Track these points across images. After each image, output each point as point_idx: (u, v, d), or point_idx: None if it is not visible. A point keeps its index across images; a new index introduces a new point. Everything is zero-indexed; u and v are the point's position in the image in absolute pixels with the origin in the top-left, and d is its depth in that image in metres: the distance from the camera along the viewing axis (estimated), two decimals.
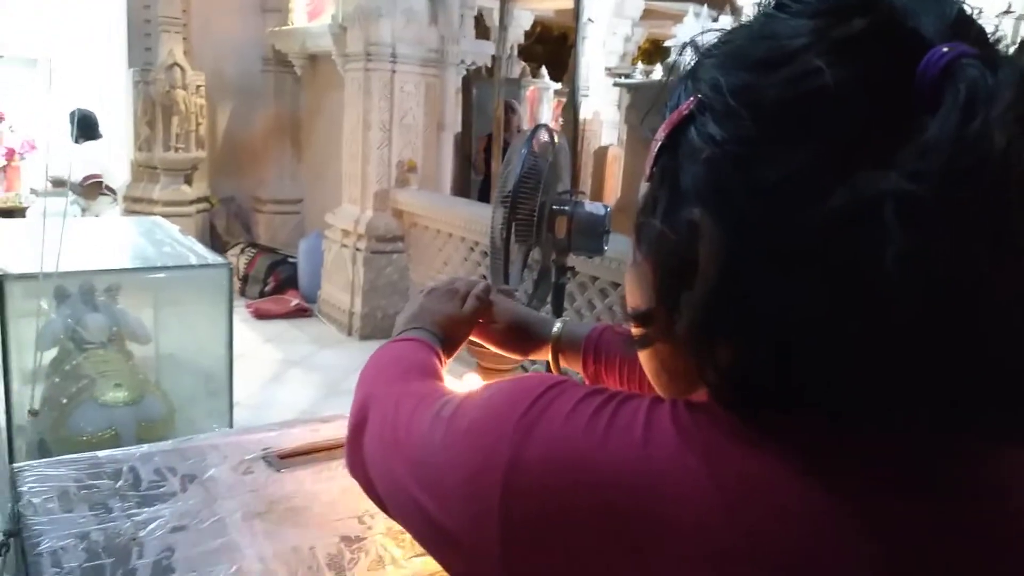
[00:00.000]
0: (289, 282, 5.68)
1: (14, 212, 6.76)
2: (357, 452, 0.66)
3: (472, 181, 6.04)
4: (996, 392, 0.39)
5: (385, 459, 0.59)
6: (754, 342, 0.41)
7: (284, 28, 6.05)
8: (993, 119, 0.35)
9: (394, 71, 4.83)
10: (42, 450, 2.40)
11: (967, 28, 0.40)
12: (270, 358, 4.51)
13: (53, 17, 9.10)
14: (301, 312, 5.39)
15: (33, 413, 2.11)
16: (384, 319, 5.03)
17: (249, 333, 4.81)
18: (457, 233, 4.58)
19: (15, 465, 1.19)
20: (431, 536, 0.52)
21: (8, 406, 2.30)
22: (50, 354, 2.61)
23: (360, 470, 0.65)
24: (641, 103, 6.49)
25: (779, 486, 0.40)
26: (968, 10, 0.41)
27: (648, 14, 9.67)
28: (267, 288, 5.64)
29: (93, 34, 7.37)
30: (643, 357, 0.52)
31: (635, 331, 0.51)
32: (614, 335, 0.93)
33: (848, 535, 0.39)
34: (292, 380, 4.24)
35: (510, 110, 4.72)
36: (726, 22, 7.42)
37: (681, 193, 0.44)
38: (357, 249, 4.99)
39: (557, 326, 0.96)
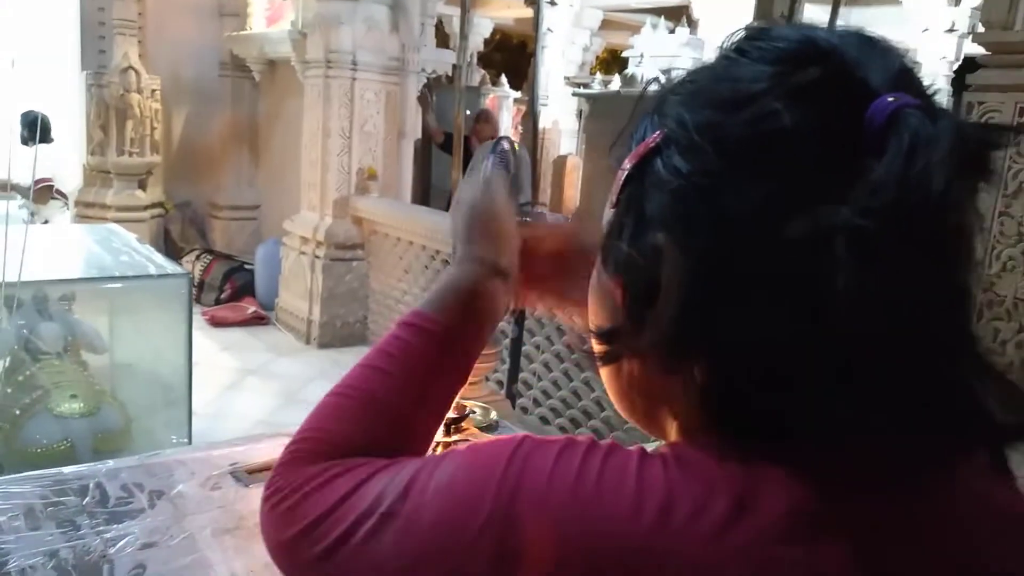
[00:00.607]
0: (246, 289, 5.62)
1: None
2: (271, 510, 0.54)
3: (434, 185, 6.06)
4: (940, 399, 0.42)
5: (295, 540, 0.51)
6: (719, 362, 0.44)
7: (242, 33, 5.99)
8: (933, 163, 0.39)
9: (354, 78, 4.83)
10: None
11: (909, 80, 0.44)
12: (227, 366, 4.46)
13: (2, 18, 8.87)
14: (258, 320, 5.34)
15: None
16: (343, 327, 5.01)
17: (205, 341, 4.75)
18: (418, 241, 4.59)
19: None
20: None
21: None
22: (1, 364, 2.56)
23: (264, 527, 0.55)
24: (599, 113, 6.59)
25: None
26: (910, 64, 0.46)
27: (607, 24, 9.81)
28: (223, 295, 5.57)
29: (45, 36, 7.20)
30: (606, 375, 0.53)
31: (598, 348, 0.52)
32: None
33: None
34: (249, 389, 4.20)
35: (484, 119, 4.70)
36: (682, 34, 7.53)
37: (646, 219, 0.47)
38: (316, 256, 4.97)
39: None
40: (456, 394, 0.64)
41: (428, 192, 5.99)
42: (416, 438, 0.60)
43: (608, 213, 0.52)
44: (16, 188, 4.99)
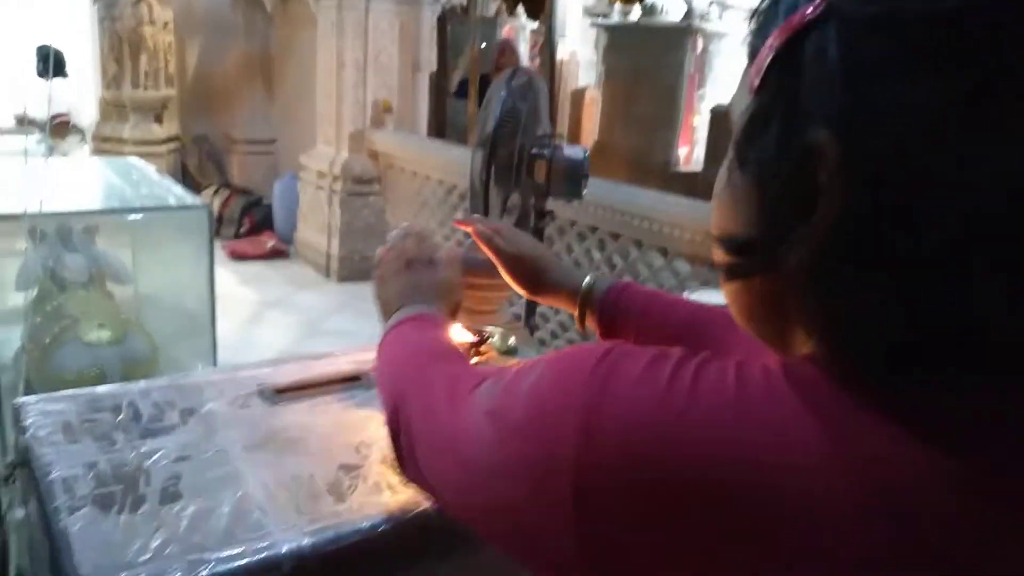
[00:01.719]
0: (264, 223, 5.66)
1: None
2: (412, 462, 0.62)
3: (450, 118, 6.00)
4: None
5: (442, 467, 0.56)
6: (880, 282, 0.38)
7: None
8: None
9: (368, 9, 4.74)
10: (26, 389, 2.43)
11: None
12: (248, 299, 4.53)
13: None
14: (277, 253, 5.38)
15: (27, 351, 2.13)
16: (361, 261, 5.04)
17: (226, 274, 4.80)
18: (434, 175, 4.57)
19: (16, 400, 1.22)
20: (501, 539, 0.49)
21: None
22: (30, 294, 2.61)
23: (420, 479, 0.62)
24: (618, 45, 6.45)
25: (915, 463, 0.37)
26: None
27: None
28: (242, 230, 5.61)
29: None
30: (730, 290, 0.47)
31: (724, 259, 0.46)
32: (632, 294, 0.89)
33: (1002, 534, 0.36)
34: (271, 321, 4.27)
35: (509, 50, 4.59)
36: None
37: (801, 112, 0.39)
38: (333, 191, 4.97)
39: (588, 280, 0.91)
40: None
41: (443, 125, 5.93)
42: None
43: (744, 101, 0.44)
44: (33, 123, 5.01)
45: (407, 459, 0.64)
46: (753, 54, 0.43)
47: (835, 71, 0.38)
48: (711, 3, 6.59)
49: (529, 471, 0.44)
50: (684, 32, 5.79)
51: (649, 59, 5.97)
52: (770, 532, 0.37)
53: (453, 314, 0.89)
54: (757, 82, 0.42)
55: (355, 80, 4.84)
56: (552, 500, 0.42)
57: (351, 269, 5.01)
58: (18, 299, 2.60)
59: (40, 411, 1.19)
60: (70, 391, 1.26)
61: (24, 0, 9.18)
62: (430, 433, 0.59)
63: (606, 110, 6.45)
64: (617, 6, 8.04)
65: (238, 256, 5.24)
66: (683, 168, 5.85)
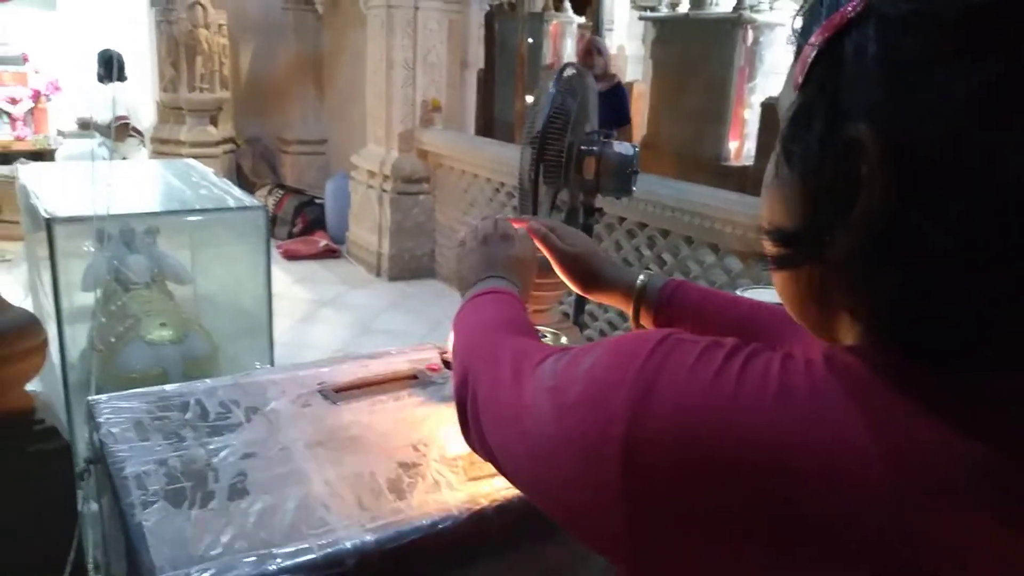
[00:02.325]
0: (317, 223, 5.75)
1: (43, 154, 6.84)
2: (477, 430, 0.64)
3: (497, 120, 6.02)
4: None
5: (503, 437, 0.58)
6: (922, 269, 0.39)
7: None
8: None
9: (417, 8, 4.78)
10: (93, 386, 2.51)
11: None
12: (302, 298, 4.61)
13: None
14: (330, 253, 5.47)
15: (99, 350, 2.21)
16: (411, 260, 5.10)
17: (280, 274, 4.90)
18: (483, 174, 4.60)
19: (89, 398, 1.27)
20: (555, 511, 0.51)
21: (62, 345, 2.40)
22: (96, 295, 2.71)
23: (483, 448, 0.64)
24: (667, 37, 6.38)
25: (950, 449, 0.38)
26: None
27: None
28: (295, 229, 5.72)
29: None
30: (779, 280, 0.49)
31: (772, 250, 0.48)
32: (687, 292, 0.91)
33: None
34: (325, 320, 4.35)
35: (597, 51, 4.51)
36: None
37: (842, 107, 0.41)
38: (383, 190, 5.03)
39: (642, 278, 0.93)
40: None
41: (492, 123, 5.95)
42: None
43: (789, 97, 0.45)
44: (95, 126, 5.17)
45: (472, 427, 0.65)
46: (798, 52, 0.45)
47: (874, 67, 0.39)
48: None
49: (582, 448, 0.45)
50: (734, 24, 5.70)
51: (698, 52, 5.89)
52: (807, 514, 0.38)
53: (527, 288, 0.90)
54: (801, 79, 0.44)
55: (404, 79, 4.89)
56: (603, 477, 0.43)
57: (401, 267, 5.07)
58: (84, 299, 2.70)
59: (112, 409, 1.24)
60: (140, 389, 1.30)
61: (85, 6, 9.48)
62: (495, 404, 0.61)
63: (654, 104, 6.39)
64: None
65: (292, 256, 5.34)
66: (734, 162, 5.77)
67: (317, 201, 5.89)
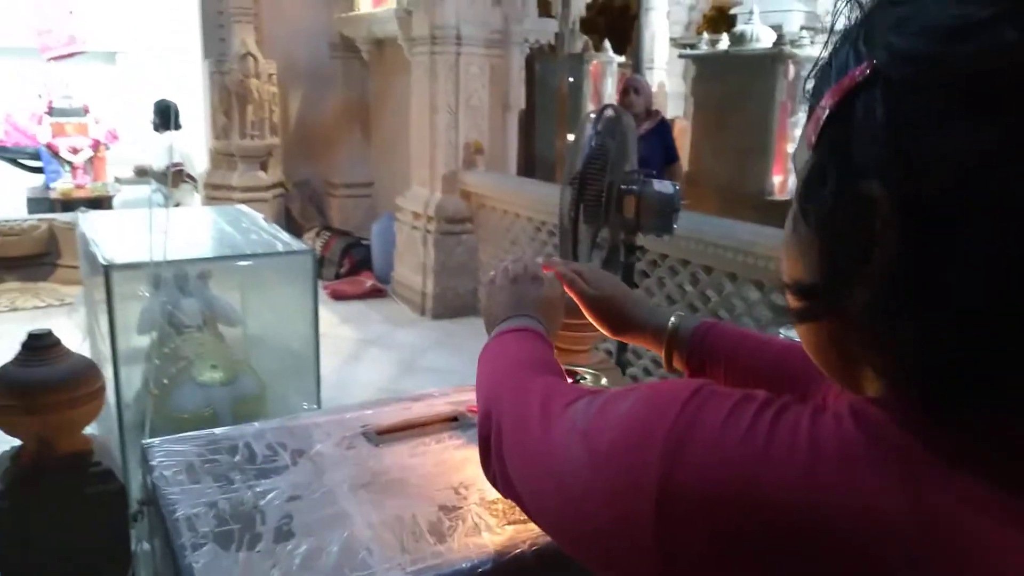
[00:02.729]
0: (363, 264, 5.86)
1: (102, 201, 7.13)
2: (500, 466, 0.64)
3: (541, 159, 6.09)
4: None
5: (529, 476, 0.58)
6: (939, 320, 0.39)
7: (350, 14, 6.18)
8: None
9: (459, 53, 4.90)
10: (148, 428, 2.59)
11: None
12: (348, 337, 4.69)
13: (130, 12, 9.47)
14: (376, 293, 5.56)
15: (152, 393, 2.28)
16: (455, 298, 5.15)
17: (327, 314, 4.99)
18: (524, 213, 4.64)
19: (144, 441, 1.32)
20: (583, 553, 0.51)
21: (118, 387, 2.48)
22: (150, 337, 2.80)
23: (505, 484, 0.64)
24: (707, 74, 6.41)
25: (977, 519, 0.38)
26: None
27: None
28: (342, 270, 5.83)
29: (169, 27, 7.65)
30: (803, 332, 0.50)
31: (794, 303, 0.49)
32: (720, 334, 0.91)
33: None
34: (370, 358, 4.40)
35: (633, 90, 4.53)
36: None
37: (854, 166, 0.42)
38: (427, 231, 5.11)
39: (673, 320, 0.92)
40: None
41: (533, 162, 6.02)
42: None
43: (804, 155, 0.47)
44: (151, 173, 5.38)
45: (494, 462, 0.65)
46: (810, 112, 0.47)
47: (882, 127, 0.41)
48: (802, 28, 6.48)
49: (615, 496, 0.46)
50: (774, 59, 5.71)
51: (739, 87, 5.90)
52: (837, 574, 0.39)
53: (555, 329, 0.92)
54: (814, 139, 0.45)
55: (447, 123, 4.99)
56: (637, 525, 0.44)
57: (445, 306, 5.12)
58: (139, 342, 2.79)
59: (165, 452, 1.28)
60: (191, 433, 1.35)
61: (142, 60, 9.90)
62: (521, 442, 0.61)
63: (696, 140, 6.40)
64: (704, 35, 8.00)
65: (339, 296, 5.45)
66: (778, 197, 5.73)
67: (363, 242, 6.00)
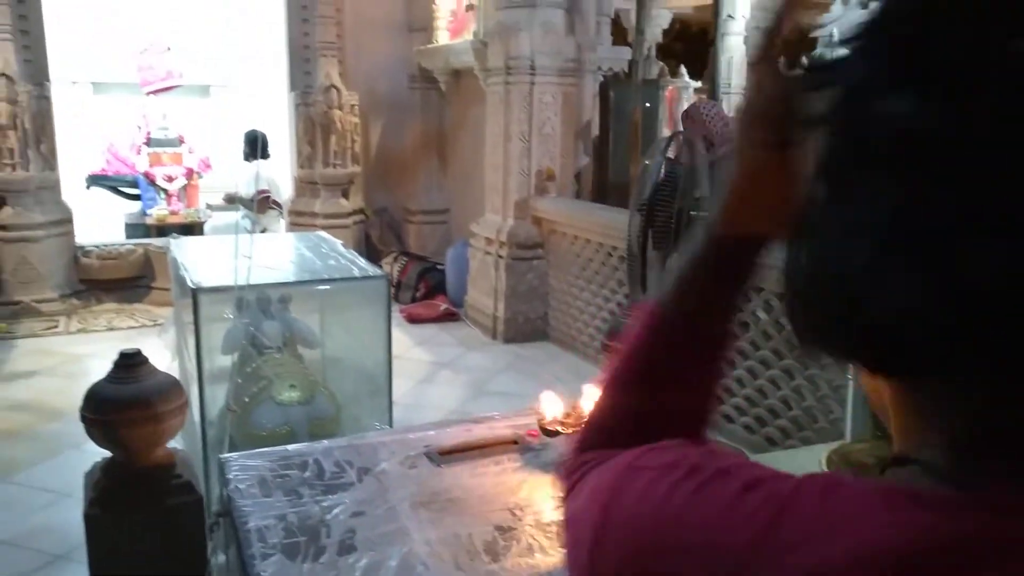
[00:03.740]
0: (438, 288, 5.98)
1: (193, 227, 7.50)
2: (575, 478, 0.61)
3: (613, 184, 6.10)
4: None
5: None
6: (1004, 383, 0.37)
7: (429, 47, 6.37)
8: None
9: (533, 83, 4.98)
10: (229, 444, 2.71)
11: None
12: (421, 360, 4.78)
13: (223, 48, 9.98)
14: (449, 316, 5.66)
15: (232, 410, 2.39)
16: (526, 323, 5.19)
17: (402, 336, 5.11)
18: (595, 239, 4.66)
19: (221, 456, 1.40)
20: None
21: (202, 404, 2.61)
22: (233, 357, 2.94)
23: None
24: None
25: None
26: None
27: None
28: (418, 294, 5.96)
29: (259, 62, 8.03)
30: (865, 379, 0.48)
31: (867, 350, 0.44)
32: None
33: None
34: (442, 381, 4.48)
35: (691, 118, 4.34)
36: (877, 9, 7.07)
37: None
38: (499, 256, 5.18)
39: None
40: (708, 366, 0.59)
41: (606, 188, 6.03)
42: (661, 421, 0.56)
43: None
44: (240, 200, 5.63)
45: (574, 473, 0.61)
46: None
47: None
48: None
49: (570, 556, 0.50)
50: None
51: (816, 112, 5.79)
52: None
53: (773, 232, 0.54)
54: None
55: (520, 151, 5.08)
56: (579, 569, 0.48)
57: (516, 330, 5.17)
58: (222, 361, 2.93)
59: (240, 466, 1.35)
60: (265, 449, 1.42)
61: (234, 93, 10.38)
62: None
63: None
64: (782, 60, 7.88)
65: (414, 319, 5.57)
66: None
67: (438, 267, 6.12)
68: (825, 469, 1.44)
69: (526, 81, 4.97)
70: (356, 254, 3.11)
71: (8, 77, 5.23)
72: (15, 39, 5.30)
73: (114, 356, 1.64)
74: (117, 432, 1.42)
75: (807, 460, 1.52)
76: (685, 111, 4.83)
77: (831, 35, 6.75)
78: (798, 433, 3.19)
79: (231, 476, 1.32)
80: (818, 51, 6.66)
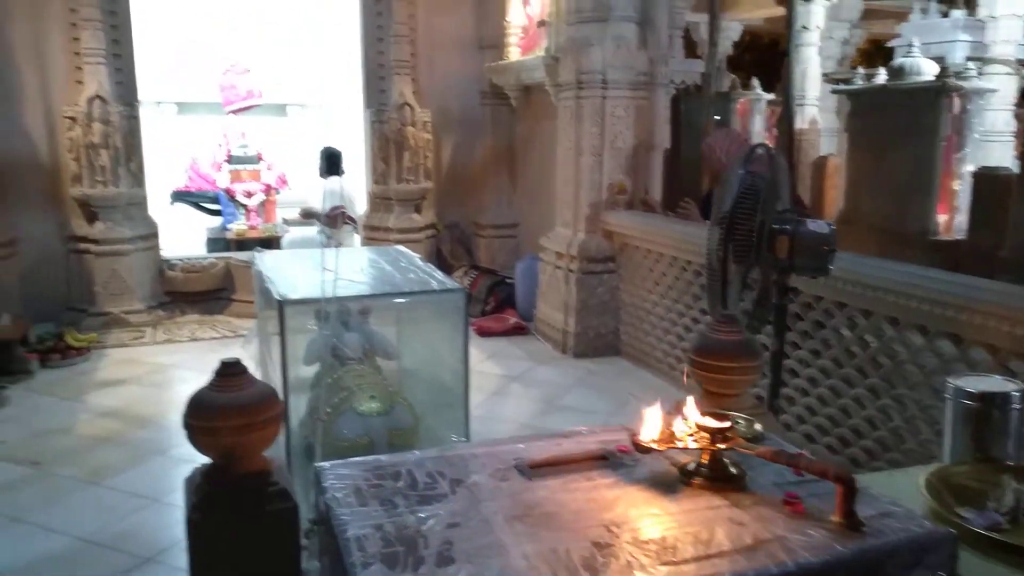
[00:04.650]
0: (507, 301, 6.01)
1: (271, 241, 7.74)
2: None
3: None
4: None
5: None
6: None
7: (500, 63, 6.44)
8: None
9: (604, 97, 4.98)
10: (308, 453, 2.77)
11: None
12: (493, 373, 4.80)
13: (301, 69, 10.29)
14: (519, 330, 5.67)
15: (322, 419, 2.45)
16: (596, 338, 5.17)
17: (473, 349, 5.07)
18: (668, 253, 4.62)
19: (317, 465, 1.43)
20: None
21: (287, 412, 2.68)
22: (315, 368, 3.01)
23: None
24: (863, 109, 6.14)
25: None
26: None
27: (868, 14, 9.14)
28: (488, 307, 6.00)
29: (335, 81, 8.24)
30: None
31: None
32: None
33: None
34: (513, 395, 4.49)
35: (708, 149, 4.31)
36: (958, 17, 6.79)
37: None
38: (570, 270, 5.18)
39: None
40: None
41: (677, 201, 5.97)
42: None
43: None
44: (316, 215, 5.78)
45: None
46: None
47: None
48: (967, 59, 6.10)
49: None
50: (938, 92, 5.39)
51: (899, 123, 5.61)
52: None
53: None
54: None
55: (592, 164, 5.07)
56: None
57: (586, 345, 5.15)
58: (303, 372, 3.00)
59: (336, 475, 1.38)
60: (358, 459, 1.45)
61: (310, 111, 10.68)
62: None
63: (852, 178, 6.12)
64: (859, 70, 7.70)
65: (484, 332, 5.60)
66: (943, 237, 5.37)
67: (508, 281, 6.16)
68: (924, 493, 1.40)
69: (598, 95, 4.97)
70: (433, 268, 3.16)
71: (102, 99, 5.51)
72: (108, 62, 5.58)
73: (198, 366, 1.70)
74: (220, 438, 1.47)
75: (904, 483, 1.47)
76: (705, 146, 4.78)
77: (909, 44, 6.56)
78: (885, 455, 3.08)
79: (327, 484, 1.34)
80: (896, 61, 6.47)
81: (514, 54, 6.41)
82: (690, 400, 1.38)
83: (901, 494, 1.34)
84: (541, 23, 5.86)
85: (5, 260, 5.60)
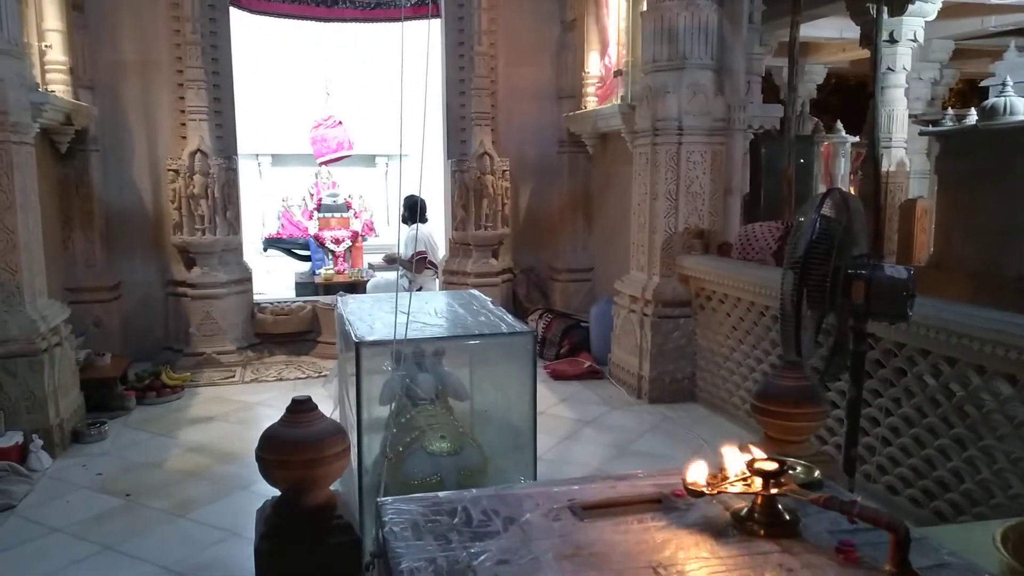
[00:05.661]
0: (582, 345, 6.01)
1: (356, 285, 7.99)
2: None
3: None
4: None
5: None
6: None
7: (578, 112, 6.56)
8: None
9: (680, 143, 5.00)
10: (383, 491, 2.84)
11: None
12: (565, 416, 4.80)
13: (387, 121, 10.70)
14: (593, 374, 5.66)
15: (389, 457, 2.52)
16: (672, 383, 5.11)
17: (546, 392, 5.16)
18: (745, 298, 4.55)
19: (379, 500, 1.49)
20: None
21: (359, 450, 2.76)
22: (390, 407, 3.09)
23: None
24: (953, 151, 5.95)
25: None
26: None
27: (959, 54, 8.88)
28: (562, 350, 6.02)
29: (419, 133, 8.52)
30: None
31: None
32: None
33: None
34: (585, 439, 4.47)
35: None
36: None
37: None
38: (644, 314, 5.16)
39: None
40: None
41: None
42: None
43: None
44: (399, 261, 5.96)
45: None
46: None
47: None
48: None
49: None
50: None
51: (993, 163, 5.40)
52: None
53: None
54: None
55: (667, 209, 5.08)
56: None
57: (662, 390, 5.09)
58: (379, 411, 3.09)
59: (395, 510, 1.43)
60: (418, 495, 1.50)
61: (396, 163, 11.04)
62: None
63: (943, 221, 5.90)
64: (949, 110, 7.46)
65: (558, 376, 5.62)
66: None
67: (583, 324, 6.17)
68: (999, 547, 1.34)
69: (674, 141, 5.00)
70: (504, 311, 3.22)
71: (203, 152, 5.89)
72: (210, 119, 5.97)
73: (281, 405, 1.80)
74: (289, 472, 1.54)
75: (981, 536, 1.42)
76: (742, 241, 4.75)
77: (1003, 83, 6.33)
78: (972, 509, 2.93)
79: (386, 519, 1.40)
80: (989, 100, 6.24)
81: (591, 103, 6.52)
82: (754, 450, 1.38)
83: (975, 548, 1.29)
84: (618, 72, 5.95)
85: (110, 303, 6.00)
